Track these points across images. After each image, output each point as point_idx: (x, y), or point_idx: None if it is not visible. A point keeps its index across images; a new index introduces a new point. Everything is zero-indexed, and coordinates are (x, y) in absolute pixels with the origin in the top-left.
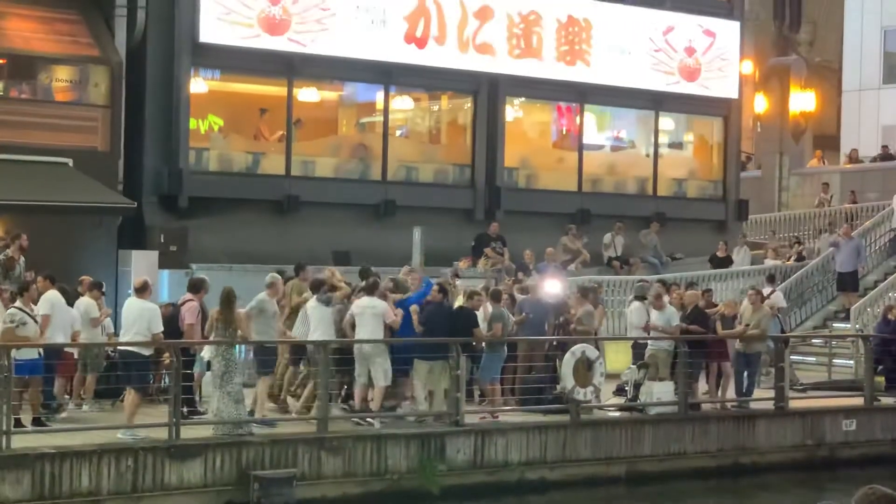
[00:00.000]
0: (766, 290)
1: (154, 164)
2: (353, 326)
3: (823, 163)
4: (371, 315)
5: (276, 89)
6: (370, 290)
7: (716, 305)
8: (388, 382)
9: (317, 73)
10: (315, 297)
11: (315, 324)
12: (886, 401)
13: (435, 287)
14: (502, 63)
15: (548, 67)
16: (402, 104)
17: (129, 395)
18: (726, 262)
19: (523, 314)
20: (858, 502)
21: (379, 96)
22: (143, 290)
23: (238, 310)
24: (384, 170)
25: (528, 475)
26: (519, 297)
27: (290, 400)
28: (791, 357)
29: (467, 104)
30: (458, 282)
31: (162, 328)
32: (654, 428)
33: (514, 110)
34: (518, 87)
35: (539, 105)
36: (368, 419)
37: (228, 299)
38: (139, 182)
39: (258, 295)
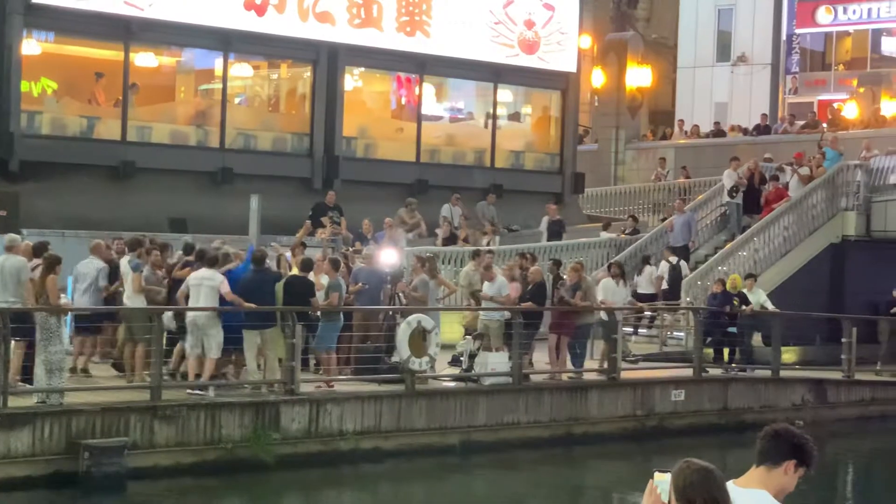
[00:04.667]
0: (672, 259)
1: None
2: (186, 298)
3: (686, 134)
4: (208, 287)
5: (112, 53)
6: (211, 262)
7: (563, 277)
8: (219, 355)
9: (154, 38)
10: (127, 259)
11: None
12: (714, 372)
13: (256, 254)
14: (342, 32)
15: (387, 38)
16: (241, 72)
17: None
18: (559, 225)
19: (359, 283)
20: (676, 475)
21: (218, 63)
22: None
23: (51, 275)
24: (222, 137)
25: (363, 444)
26: (355, 266)
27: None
28: (624, 329)
29: (307, 73)
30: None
31: None
32: (489, 398)
33: (353, 80)
34: (357, 57)
35: (379, 75)
36: (199, 391)
37: (47, 265)
38: None
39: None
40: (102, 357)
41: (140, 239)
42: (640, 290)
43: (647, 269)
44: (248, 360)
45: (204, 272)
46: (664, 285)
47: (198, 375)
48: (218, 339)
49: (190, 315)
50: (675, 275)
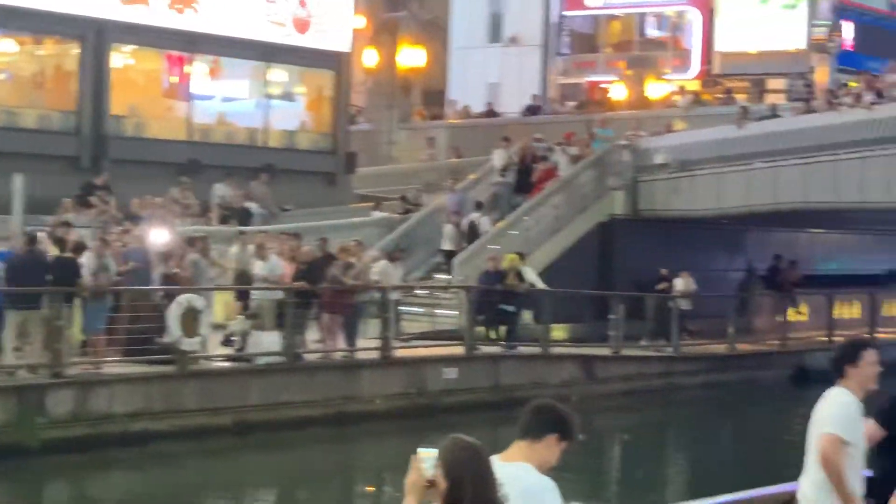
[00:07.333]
0: (475, 215)
1: None
2: None
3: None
4: None
5: None
6: None
7: (333, 255)
8: None
9: None
10: None
11: None
12: (486, 349)
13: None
14: (110, 9)
15: (157, 15)
16: (6, 47)
17: None
18: (245, 213)
19: (129, 263)
20: (443, 451)
21: None
22: None
23: None
24: None
25: (133, 426)
26: (125, 246)
27: None
28: (398, 308)
29: (74, 50)
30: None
31: None
32: (262, 378)
33: (122, 57)
34: (126, 34)
35: (148, 53)
36: None
37: None
38: None
39: None
40: None
41: None
42: (442, 248)
43: (447, 227)
44: (4, 341)
45: None
46: (463, 244)
47: None
48: None
49: None
50: (473, 231)
